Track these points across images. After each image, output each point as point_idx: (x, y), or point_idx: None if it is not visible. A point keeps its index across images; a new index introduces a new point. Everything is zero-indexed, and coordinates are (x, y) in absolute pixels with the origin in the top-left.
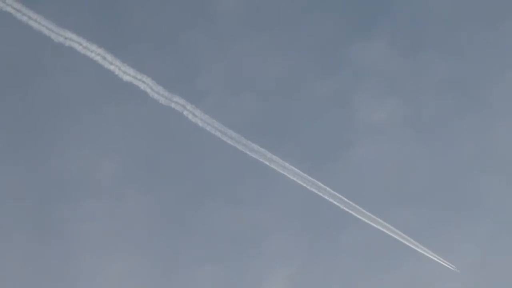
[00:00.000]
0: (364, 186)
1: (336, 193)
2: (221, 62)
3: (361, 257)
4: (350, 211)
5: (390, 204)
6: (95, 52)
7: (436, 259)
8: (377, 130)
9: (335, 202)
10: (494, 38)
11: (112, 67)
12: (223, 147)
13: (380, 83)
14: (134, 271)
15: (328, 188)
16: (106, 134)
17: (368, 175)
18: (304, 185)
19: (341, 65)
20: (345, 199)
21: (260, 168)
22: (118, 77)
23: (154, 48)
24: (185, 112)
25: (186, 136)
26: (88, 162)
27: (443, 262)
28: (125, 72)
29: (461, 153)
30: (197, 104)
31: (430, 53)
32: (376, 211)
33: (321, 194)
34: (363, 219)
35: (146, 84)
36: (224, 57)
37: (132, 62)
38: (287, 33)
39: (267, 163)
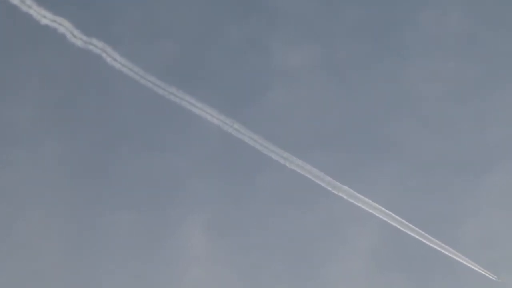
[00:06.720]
0: (281, 128)
1: (253, 134)
2: (137, 8)
3: (277, 199)
4: (266, 153)
5: (307, 146)
6: None
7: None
8: (293, 74)
9: (252, 144)
10: None
11: (30, 11)
12: (142, 91)
13: (294, 27)
14: (51, 218)
15: (245, 129)
16: (23, 80)
17: (285, 118)
18: (221, 126)
19: (254, 10)
20: (262, 140)
21: (178, 111)
22: (35, 20)
23: None
24: (103, 55)
25: (104, 80)
26: (4, 109)
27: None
28: (43, 16)
29: (376, 96)
30: (114, 47)
31: None
32: (293, 153)
33: (238, 136)
34: (280, 160)
35: (64, 27)
36: (139, 3)
37: (49, 5)
38: None
39: (185, 105)
